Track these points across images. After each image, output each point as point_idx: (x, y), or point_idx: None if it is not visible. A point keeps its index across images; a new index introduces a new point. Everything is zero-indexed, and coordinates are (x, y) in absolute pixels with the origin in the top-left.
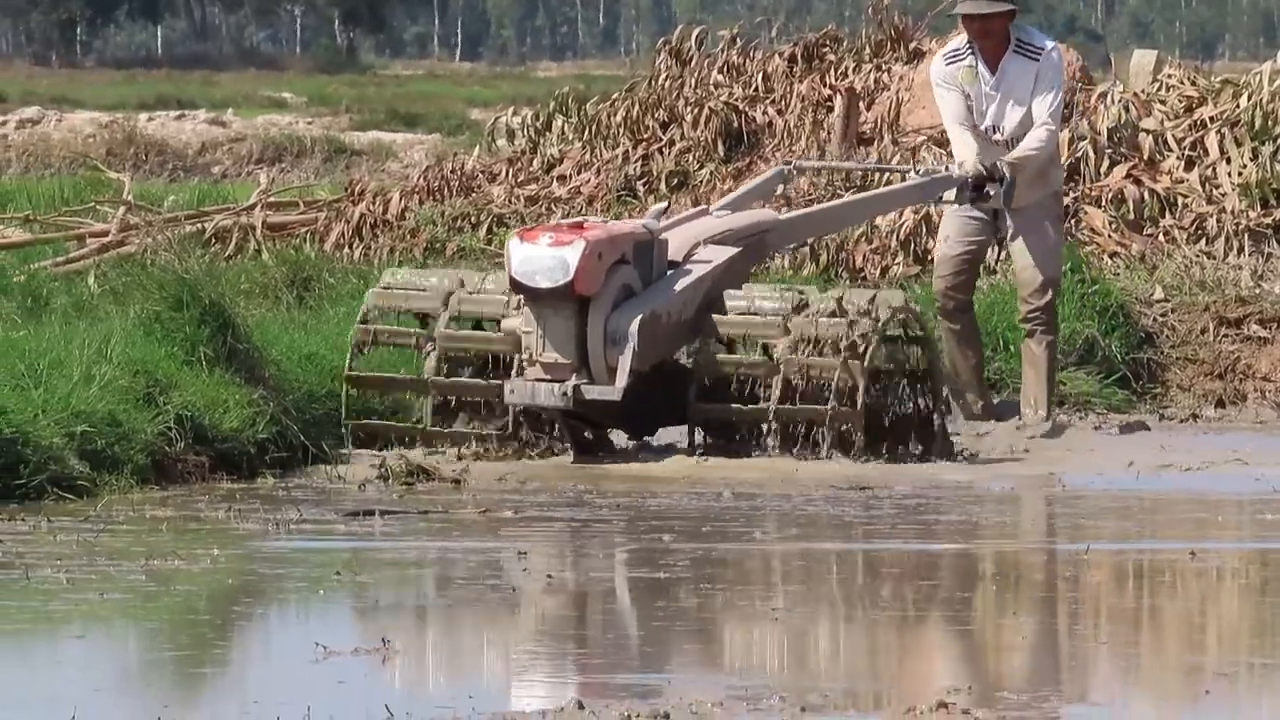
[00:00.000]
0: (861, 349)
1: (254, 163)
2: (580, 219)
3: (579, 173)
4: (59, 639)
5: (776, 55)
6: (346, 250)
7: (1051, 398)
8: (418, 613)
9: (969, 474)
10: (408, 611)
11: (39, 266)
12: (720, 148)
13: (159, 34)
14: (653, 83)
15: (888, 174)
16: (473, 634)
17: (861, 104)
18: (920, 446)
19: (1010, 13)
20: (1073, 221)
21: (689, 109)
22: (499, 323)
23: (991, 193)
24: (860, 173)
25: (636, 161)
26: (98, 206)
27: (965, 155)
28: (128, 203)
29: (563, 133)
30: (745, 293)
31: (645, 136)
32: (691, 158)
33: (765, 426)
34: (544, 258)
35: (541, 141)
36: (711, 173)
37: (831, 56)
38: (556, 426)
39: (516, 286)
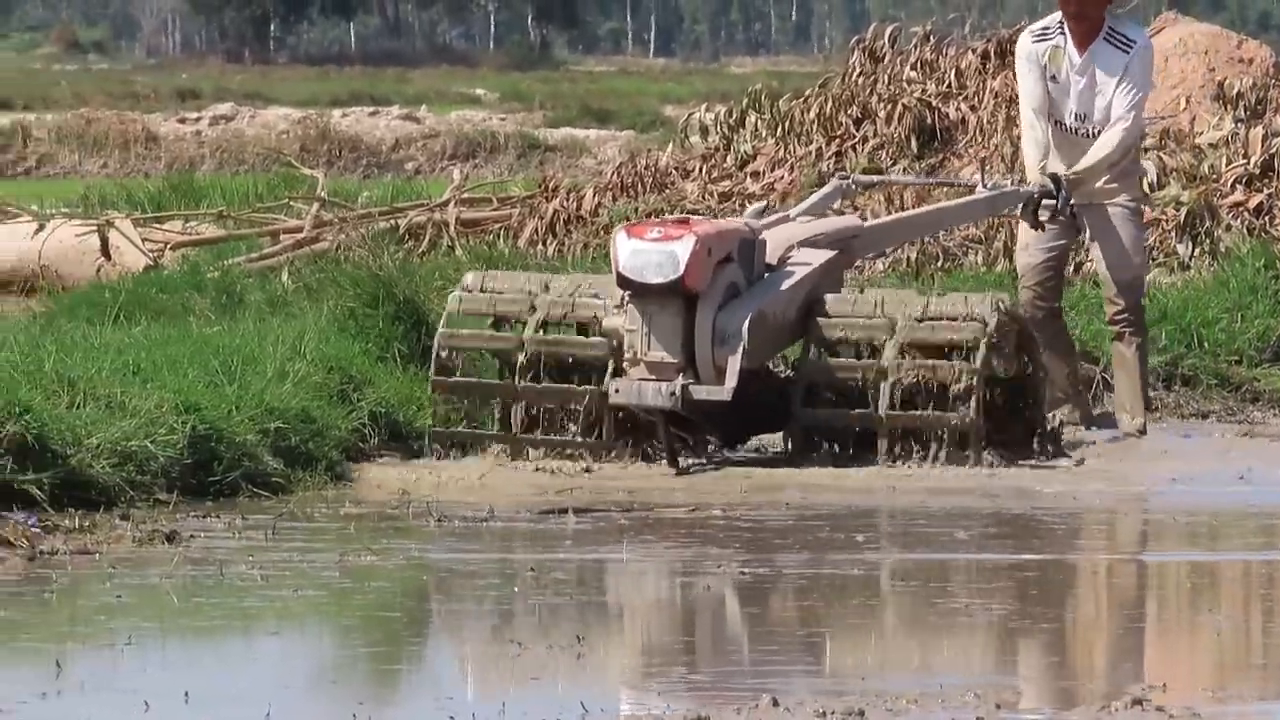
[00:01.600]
0: (974, 352)
1: (447, 159)
2: (686, 215)
3: (772, 169)
4: (254, 636)
5: (969, 51)
6: (540, 246)
7: (1146, 400)
8: (612, 610)
9: (1093, 481)
10: (602, 608)
11: (233, 263)
12: (913, 144)
13: (352, 30)
14: (846, 79)
15: (952, 188)
16: (667, 631)
17: None
18: (1031, 448)
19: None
20: (1266, 219)
21: (882, 105)
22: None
23: (1046, 207)
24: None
25: (830, 158)
26: (291, 203)
27: (1031, 157)
28: (321, 199)
29: (756, 129)
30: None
31: (839, 133)
32: (885, 154)
33: (876, 433)
34: (653, 252)
35: (735, 138)
36: (905, 169)
37: None
38: (656, 431)
39: (624, 282)
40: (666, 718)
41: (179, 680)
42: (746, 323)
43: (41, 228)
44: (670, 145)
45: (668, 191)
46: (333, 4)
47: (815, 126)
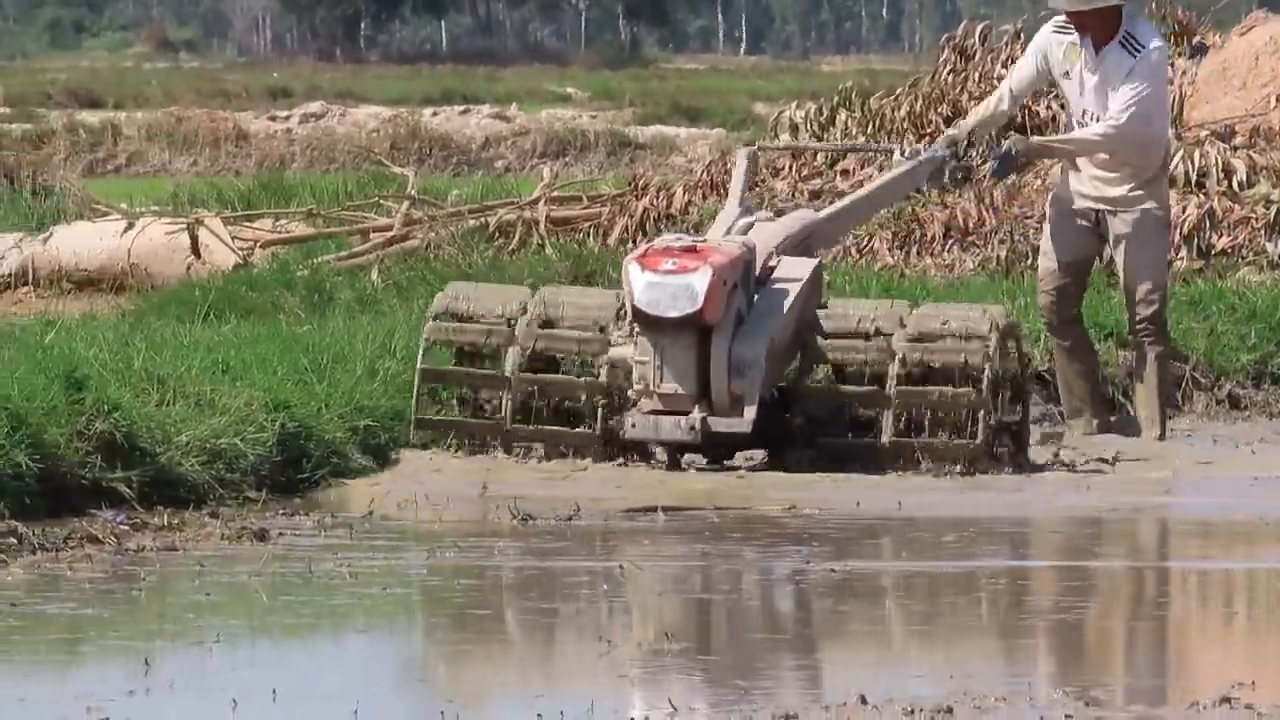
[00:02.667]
0: (978, 374)
1: (538, 157)
2: (692, 242)
3: (862, 167)
4: (342, 633)
5: None
6: (630, 244)
7: (1165, 412)
8: (701, 608)
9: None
10: (691, 606)
11: (322, 261)
12: (1003, 143)
13: (443, 29)
14: (936, 77)
15: (874, 155)
16: (755, 629)
17: None
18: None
19: (1110, 9)
20: None
21: (972, 103)
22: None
23: (976, 163)
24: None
25: None
26: (381, 201)
27: (968, 119)
28: (411, 197)
29: (846, 127)
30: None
31: (929, 131)
32: (974, 152)
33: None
34: (670, 285)
35: (825, 136)
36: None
37: None
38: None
39: (640, 316)
40: (755, 716)
41: (267, 678)
42: (765, 351)
43: (131, 226)
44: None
45: (758, 189)
46: (424, 3)
47: (906, 124)
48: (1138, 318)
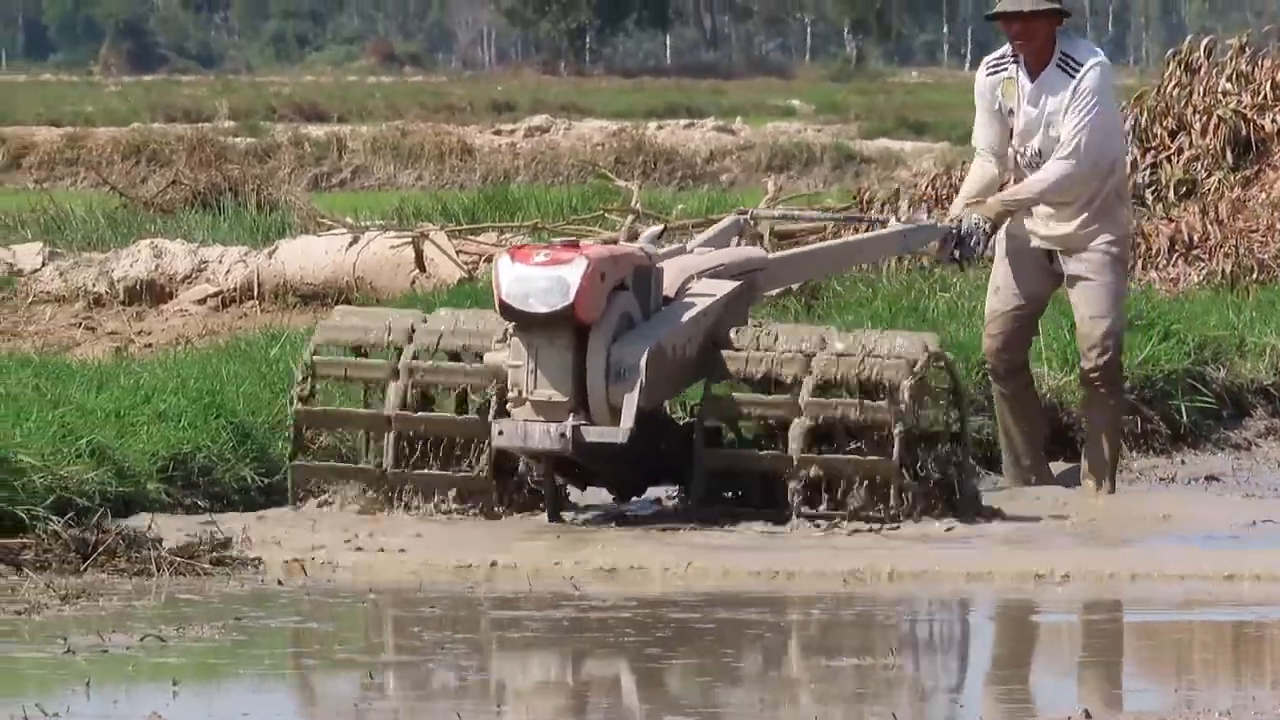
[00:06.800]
0: (897, 391)
1: (762, 170)
2: (575, 239)
3: None
4: (565, 649)
5: None
6: None
7: (1114, 468)
8: (920, 626)
9: None
10: (910, 624)
11: None
12: (1229, 156)
13: (667, 43)
14: (1161, 91)
15: (864, 224)
16: (974, 650)
17: None
18: (948, 510)
19: (1054, 14)
20: None
21: (1197, 117)
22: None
23: (958, 255)
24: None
25: (1145, 169)
26: (606, 214)
27: (962, 191)
28: (636, 211)
29: None
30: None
31: (1154, 144)
32: (1200, 166)
33: (786, 479)
34: (539, 278)
35: None
36: (1220, 181)
37: None
38: (531, 479)
39: (507, 311)
40: None
41: (490, 694)
42: (645, 357)
43: (356, 239)
44: None
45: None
46: (649, 16)
47: (1130, 138)
48: (1089, 365)
